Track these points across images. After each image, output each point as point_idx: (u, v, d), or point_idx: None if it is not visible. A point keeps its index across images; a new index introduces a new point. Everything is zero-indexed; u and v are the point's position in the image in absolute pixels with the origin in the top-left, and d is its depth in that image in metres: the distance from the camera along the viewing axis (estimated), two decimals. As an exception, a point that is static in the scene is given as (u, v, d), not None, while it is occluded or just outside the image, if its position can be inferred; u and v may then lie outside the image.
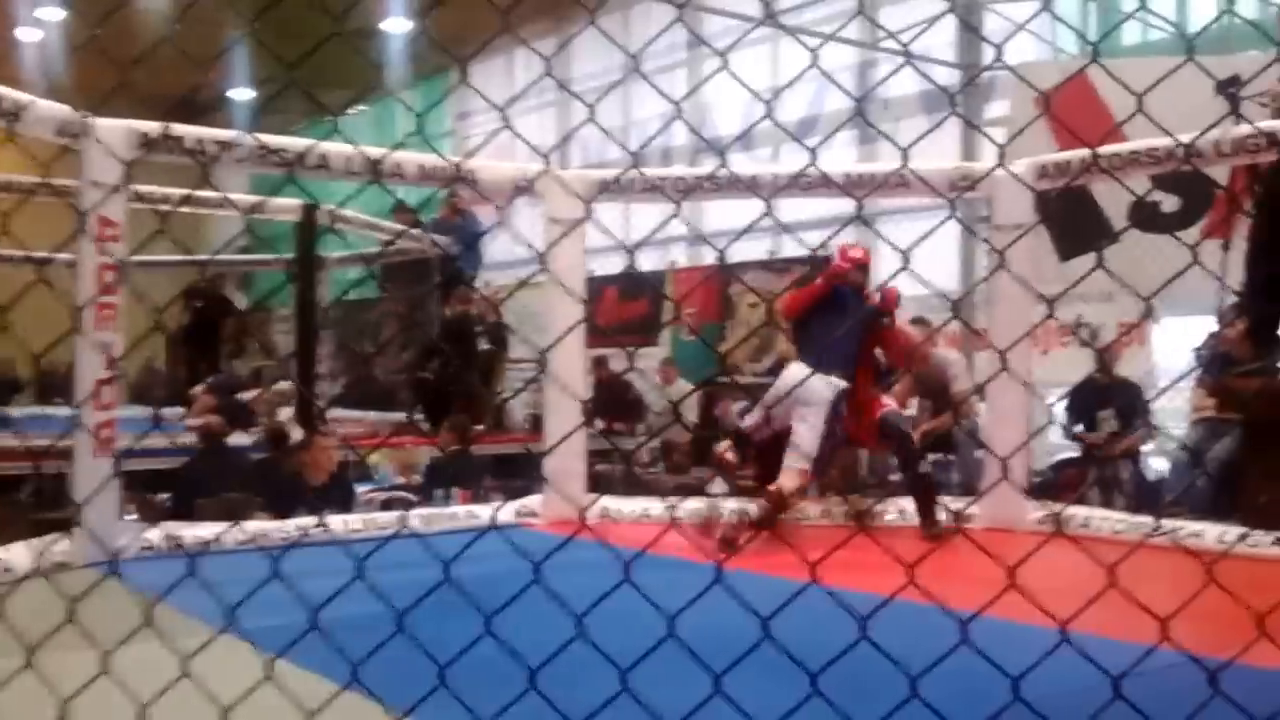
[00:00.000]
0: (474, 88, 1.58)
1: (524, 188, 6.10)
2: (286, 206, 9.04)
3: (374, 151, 5.80)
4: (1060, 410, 7.70)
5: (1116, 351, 8.35)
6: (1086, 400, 7.58)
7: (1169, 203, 8.75)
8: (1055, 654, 1.65)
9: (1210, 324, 7.29)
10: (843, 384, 5.47)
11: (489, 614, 1.71)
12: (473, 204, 10.15)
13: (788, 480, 5.39)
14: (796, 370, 5.63)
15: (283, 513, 5.89)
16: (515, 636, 1.83)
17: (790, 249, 11.94)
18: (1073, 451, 8.60)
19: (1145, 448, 7.69)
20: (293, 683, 1.89)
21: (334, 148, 5.68)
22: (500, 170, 6.33)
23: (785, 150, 12.74)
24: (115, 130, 5.05)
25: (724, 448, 5.84)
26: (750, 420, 5.76)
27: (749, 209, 9.42)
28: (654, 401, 10.90)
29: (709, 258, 13.52)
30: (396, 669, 1.87)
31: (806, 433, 5.40)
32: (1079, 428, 7.61)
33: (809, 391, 5.35)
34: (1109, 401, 7.49)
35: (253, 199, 8.08)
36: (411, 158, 6.07)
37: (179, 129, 5.25)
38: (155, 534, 5.18)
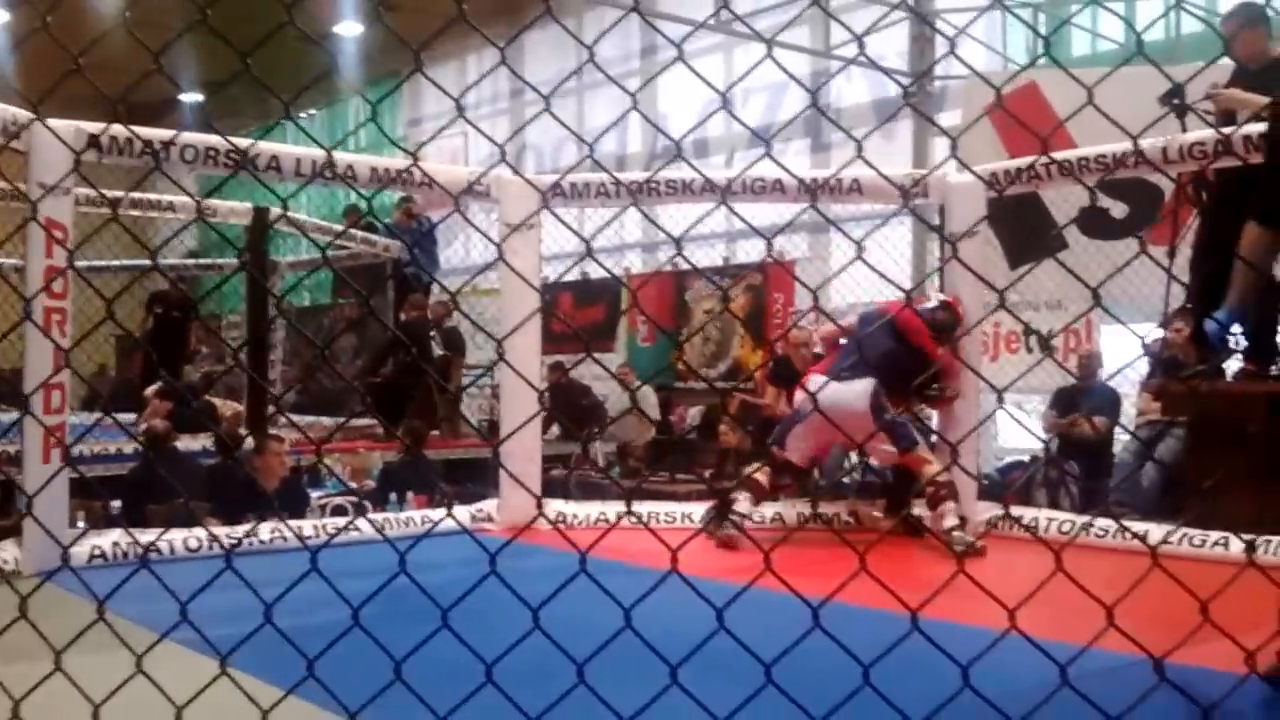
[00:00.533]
0: (429, 77, 1.58)
1: (479, 191, 6.09)
2: (237, 209, 8.96)
3: (326, 152, 5.75)
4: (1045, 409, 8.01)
5: (1098, 357, 8.53)
6: (1066, 401, 7.89)
7: (1117, 209, 8.90)
8: (1006, 655, 1.66)
9: (1157, 329, 7.44)
10: (868, 380, 5.51)
11: (446, 609, 1.70)
12: (427, 209, 10.12)
13: (929, 469, 5.52)
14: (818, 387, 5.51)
15: (234, 519, 5.81)
16: (472, 640, 1.82)
17: (744, 256, 12.02)
18: (1020, 455, 8.78)
19: (1117, 449, 7.88)
20: (245, 687, 1.87)
21: (285, 149, 5.64)
22: (454, 172, 6.30)
23: (739, 158, 12.82)
24: (62, 131, 4.98)
25: (755, 471, 5.89)
26: (793, 454, 5.79)
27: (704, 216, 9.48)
28: (614, 404, 10.91)
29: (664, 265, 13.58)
30: (351, 672, 1.85)
31: (888, 441, 5.54)
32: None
33: (844, 404, 5.36)
34: (1082, 404, 7.76)
35: (205, 201, 7.99)
36: (364, 160, 6.04)
37: (128, 129, 5.17)
38: (105, 541, 5.10)
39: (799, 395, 5.90)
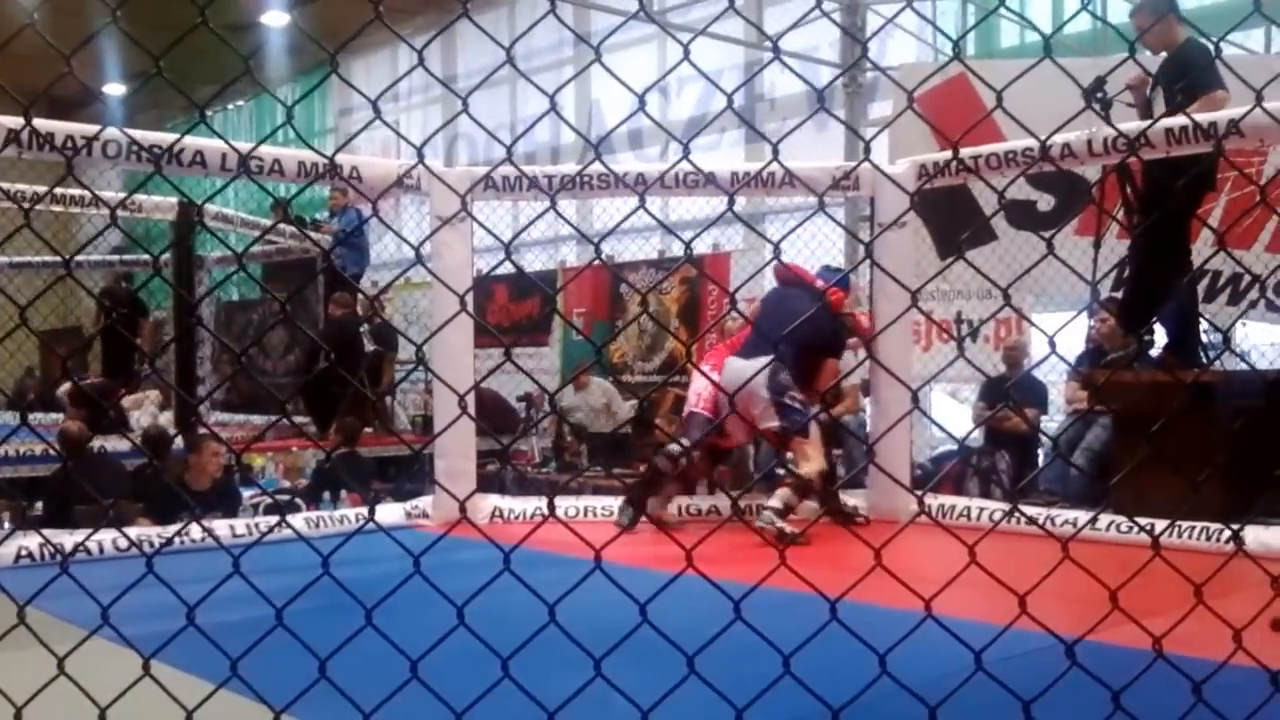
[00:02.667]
0: (345, 79, 1.57)
1: (408, 184, 6.02)
2: (162, 205, 8.81)
3: (249, 146, 5.66)
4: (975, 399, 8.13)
5: (1023, 349, 8.65)
6: (994, 393, 8.01)
7: (1044, 201, 9.03)
8: (930, 641, 1.69)
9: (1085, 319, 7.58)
10: (762, 359, 5.53)
11: (370, 608, 1.70)
12: (357, 202, 10.01)
13: (807, 466, 5.46)
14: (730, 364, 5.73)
15: (164, 519, 5.73)
16: (402, 636, 1.82)
17: (680, 248, 12.02)
18: (952, 445, 8.91)
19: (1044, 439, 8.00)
20: (172, 685, 1.85)
21: (210, 143, 5.53)
22: (382, 166, 6.24)
23: (675, 149, 12.83)
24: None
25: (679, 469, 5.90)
26: (740, 431, 5.78)
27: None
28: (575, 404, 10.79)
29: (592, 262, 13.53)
30: (279, 669, 1.84)
31: (774, 416, 5.49)
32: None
33: (745, 378, 5.40)
34: (1012, 394, 7.88)
35: (126, 196, 7.83)
36: (290, 153, 5.93)
37: (47, 124, 5.05)
38: (32, 541, 5.00)
39: (701, 381, 5.99)
